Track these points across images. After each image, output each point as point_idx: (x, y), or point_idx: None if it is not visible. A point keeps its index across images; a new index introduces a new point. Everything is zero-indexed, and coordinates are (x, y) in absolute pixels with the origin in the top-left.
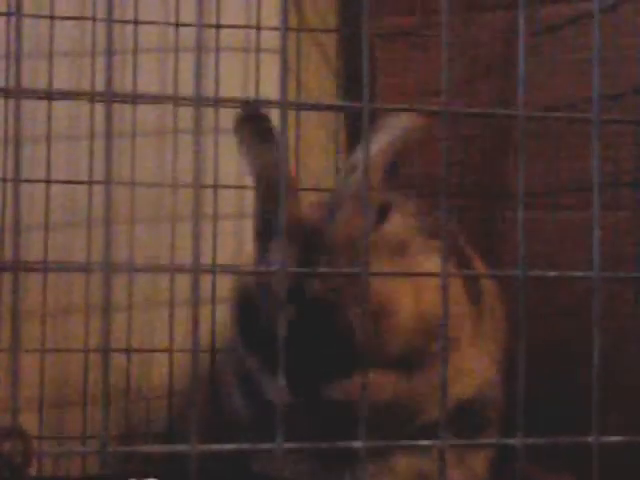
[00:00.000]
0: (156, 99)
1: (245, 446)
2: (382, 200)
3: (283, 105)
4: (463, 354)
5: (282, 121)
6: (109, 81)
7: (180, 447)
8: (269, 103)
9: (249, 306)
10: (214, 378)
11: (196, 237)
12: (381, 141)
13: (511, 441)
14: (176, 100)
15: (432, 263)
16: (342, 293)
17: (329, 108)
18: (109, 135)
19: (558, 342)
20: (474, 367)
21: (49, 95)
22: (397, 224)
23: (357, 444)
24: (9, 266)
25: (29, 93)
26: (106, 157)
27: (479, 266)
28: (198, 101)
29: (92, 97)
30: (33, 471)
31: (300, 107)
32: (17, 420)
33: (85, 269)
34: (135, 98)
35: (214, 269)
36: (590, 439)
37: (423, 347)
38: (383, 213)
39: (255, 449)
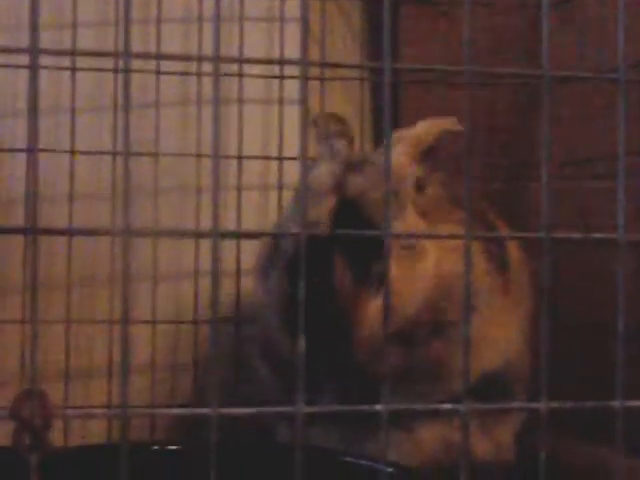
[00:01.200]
0: (177, 58)
1: (266, 409)
2: (419, 174)
3: (304, 64)
4: (489, 323)
5: (303, 81)
6: (127, 42)
7: (201, 410)
8: (290, 62)
9: (272, 267)
10: (238, 349)
11: (215, 198)
12: (426, 124)
13: (535, 405)
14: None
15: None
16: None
17: (350, 66)
18: (127, 100)
19: (585, 310)
20: (500, 337)
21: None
22: (425, 195)
23: (379, 407)
24: (27, 229)
25: (50, 52)
26: (124, 127)
27: (504, 233)
28: (218, 59)
29: (115, 58)
30: (58, 441)
31: (322, 65)
32: (36, 383)
33: (107, 233)
34: (157, 58)
35: (237, 233)
36: (615, 403)
37: (443, 311)
38: (421, 186)
39: (275, 412)
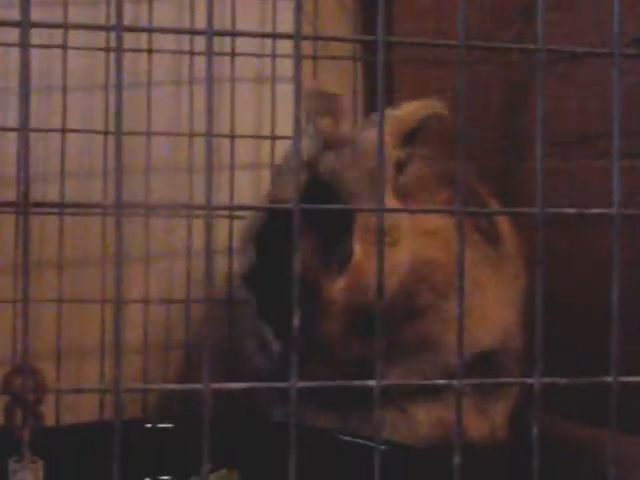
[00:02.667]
0: (170, 31)
1: (259, 384)
2: (401, 155)
3: (298, 37)
4: (482, 299)
5: (296, 56)
6: (119, 15)
7: (193, 386)
8: (284, 36)
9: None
10: (231, 328)
11: (209, 176)
12: (410, 107)
13: (529, 380)
14: (191, 33)
15: (436, 217)
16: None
17: (343, 40)
18: (119, 79)
19: (578, 288)
20: (495, 314)
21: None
22: (406, 177)
23: (371, 383)
24: (19, 204)
25: (41, 25)
26: (116, 106)
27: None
28: (211, 33)
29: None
30: (50, 420)
31: (316, 39)
32: (28, 357)
33: (99, 206)
34: (149, 31)
35: (229, 207)
36: (609, 379)
37: (419, 296)
38: (400, 166)
39: (268, 386)
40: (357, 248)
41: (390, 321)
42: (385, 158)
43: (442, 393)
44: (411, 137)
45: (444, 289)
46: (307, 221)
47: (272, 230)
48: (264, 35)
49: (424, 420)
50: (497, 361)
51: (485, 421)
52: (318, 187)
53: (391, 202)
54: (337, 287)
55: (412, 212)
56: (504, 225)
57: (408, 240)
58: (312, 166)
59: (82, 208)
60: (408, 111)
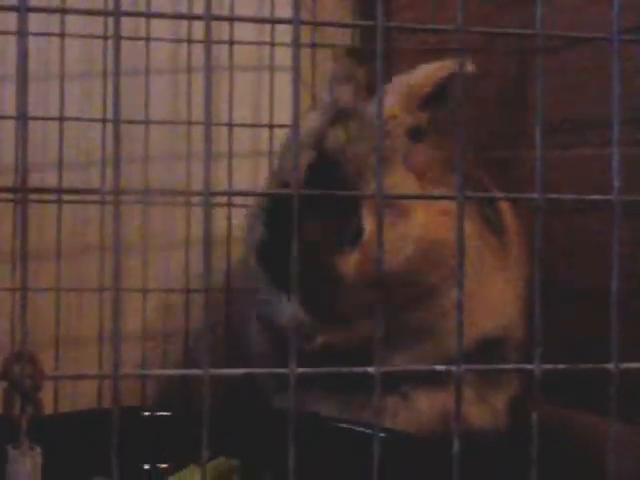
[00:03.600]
0: (168, 17)
1: (258, 370)
2: (415, 121)
3: (296, 22)
4: (483, 285)
5: (294, 41)
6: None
7: (192, 371)
8: (282, 21)
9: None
10: (230, 316)
11: (207, 163)
12: (426, 70)
13: (529, 367)
14: (189, 18)
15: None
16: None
17: (342, 25)
18: (117, 66)
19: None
20: (496, 300)
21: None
22: (420, 152)
23: (371, 369)
24: (17, 189)
25: (39, 10)
26: (114, 94)
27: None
28: (209, 17)
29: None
30: (49, 408)
31: (314, 24)
32: (26, 344)
33: (97, 192)
34: (147, 16)
35: (227, 193)
36: (609, 366)
37: (427, 275)
38: (416, 135)
39: (267, 373)
40: (369, 221)
41: (396, 301)
42: (393, 130)
43: (444, 381)
44: (428, 101)
45: (451, 273)
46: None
47: (280, 204)
48: (262, 20)
49: (425, 408)
50: (499, 349)
51: (486, 408)
52: (325, 163)
53: (401, 175)
54: (350, 261)
55: (411, 198)
56: (507, 215)
57: (421, 213)
58: (319, 141)
59: (80, 194)
60: (424, 73)
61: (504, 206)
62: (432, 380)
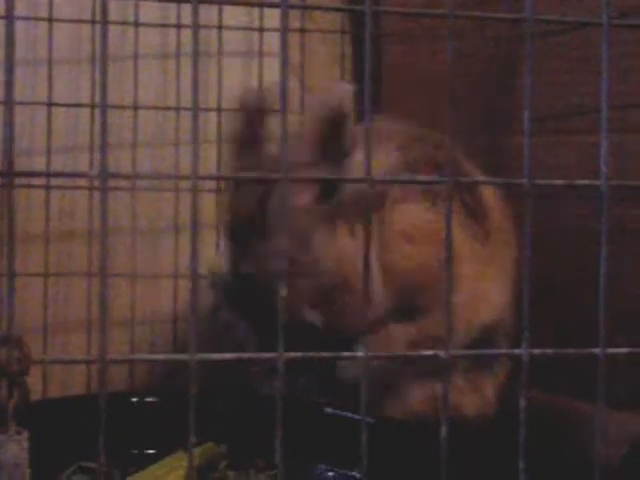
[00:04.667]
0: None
1: (246, 354)
2: None
3: (284, 6)
4: (473, 279)
5: (283, 23)
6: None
7: (179, 356)
8: (271, 5)
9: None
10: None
11: (195, 149)
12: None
13: (516, 351)
14: (177, 1)
15: (413, 212)
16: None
17: (331, 9)
18: (105, 52)
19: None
20: (487, 290)
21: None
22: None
23: (359, 354)
24: (3, 173)
25: None
26: (102, 79)
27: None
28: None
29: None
30: (37, 394)
31: (303, 7)
32: (13, 327)
33: (85, 175)
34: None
35: (216, 177)
36: (596, 350)
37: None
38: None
39: (255, 358)
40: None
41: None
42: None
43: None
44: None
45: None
46: None
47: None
48: (250, 4)
49: (418, 398)
50: (491, 339)
51: (477, 395)
52: None
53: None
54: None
55: (402, 182)
56: (490, 198)
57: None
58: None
59: (68, 178)
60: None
61: (486, 191)
62: (421, 370)
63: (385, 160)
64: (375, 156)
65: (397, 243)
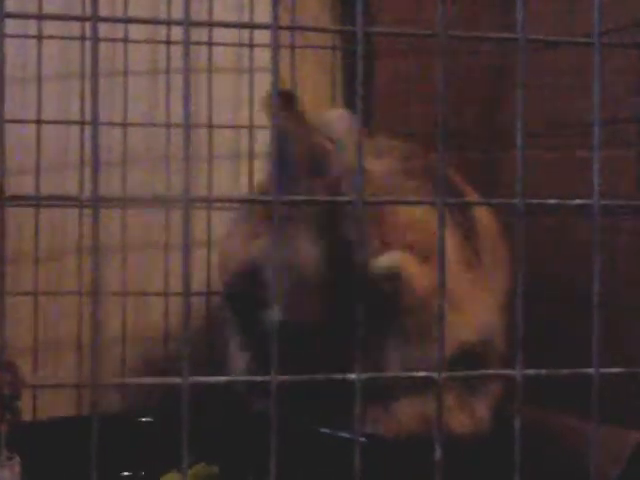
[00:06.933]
0: (146, 22)
1: (240, 377)
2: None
3: (275, 27)
4: (458, 294)
5: (274, 44)
6: (95, 5)
7: (172, 380)
8: (261, 27)
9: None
10: (210, 323)
11: (187, 166)
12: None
13: (510, 372)
14: (168, 23)
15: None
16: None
17: (322, 30)
18: (95, 69)
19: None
20: (473, 308)
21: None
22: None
23: (353, 376)
24: None
25: (17, 16)
26: (93, 96)
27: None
28: (188, 23)
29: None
30: (28, 415)
31: (293, 29)
32: (4, 351)
33: (75, 199)
34: (126, 22)
35: (207, 199)
36: (591, 370)
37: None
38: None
39: (249, 380)
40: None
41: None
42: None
43: (427, 389)
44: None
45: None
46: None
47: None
48: (241, 25)
49: (407, 416)
50: (480, 358)
51: (468, 415)
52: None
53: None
54: None
55: (392, 203)
56: (482, 218)
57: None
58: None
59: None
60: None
61: (478, 210)
62: (413, 389)
63: (387, 167)
64: (378, 165)
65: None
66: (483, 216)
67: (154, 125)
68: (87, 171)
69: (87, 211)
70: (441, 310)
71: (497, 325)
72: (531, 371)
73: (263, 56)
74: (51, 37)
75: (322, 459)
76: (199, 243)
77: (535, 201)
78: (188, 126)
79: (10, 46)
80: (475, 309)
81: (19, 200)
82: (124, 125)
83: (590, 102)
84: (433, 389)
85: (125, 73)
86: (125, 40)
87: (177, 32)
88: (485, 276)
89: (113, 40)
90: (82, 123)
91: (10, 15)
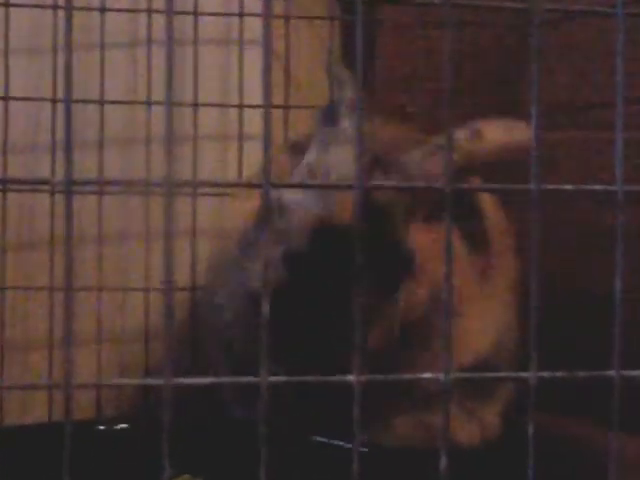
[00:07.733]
0: None
1: (226, 379)
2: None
3: None
4: (469, 313)
5: (266, 13)
6: None
7: (153, 381)
8: None
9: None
10: (194, 318)
11: (169, 149)
12: (494, 130)
13: (524, 374)
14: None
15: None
16: None
17: None
18: (69, 41)
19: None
20: (483, 325)
21: None
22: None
23: (351, 378)
24: None
25: None
26: (66, 70)
27: (485, 199)
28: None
29: None
30: None
31: None
32: None
33: (47, 183)
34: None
35: (192, 183)
36: (612, 372)
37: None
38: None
39: (236, 381)
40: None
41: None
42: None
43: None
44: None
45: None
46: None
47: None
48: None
49: (408, 429)
50: (491, 366)
51: (475, 424)
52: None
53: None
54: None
55: (398, 188)
56: (494, 216)
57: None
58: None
59: (27, 185)
60: (489, 140)
61: (485, 198)
62: (414, 402)
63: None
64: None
65: None
66: (488, 205)
67: (134, 103)
68: (59, 153)
69: (59, 197)
70: (448, 314)
71: (509, 333)
72: (545, 373)
73: (254, 27)
74: (20, 5)
75: (316, 468)
76: (183, 232)
77: (552, 187)
78: (171, 104)
79: None
80: (486, 323)
81: None
82: (100, 102)
83: (612, 79)
84: (441, 394)
85: (102, 45)
86: (102, 9)
87: (159, 1)
88: (497, 283)
89: (89, 9)
90: (54, 101)
91: None
